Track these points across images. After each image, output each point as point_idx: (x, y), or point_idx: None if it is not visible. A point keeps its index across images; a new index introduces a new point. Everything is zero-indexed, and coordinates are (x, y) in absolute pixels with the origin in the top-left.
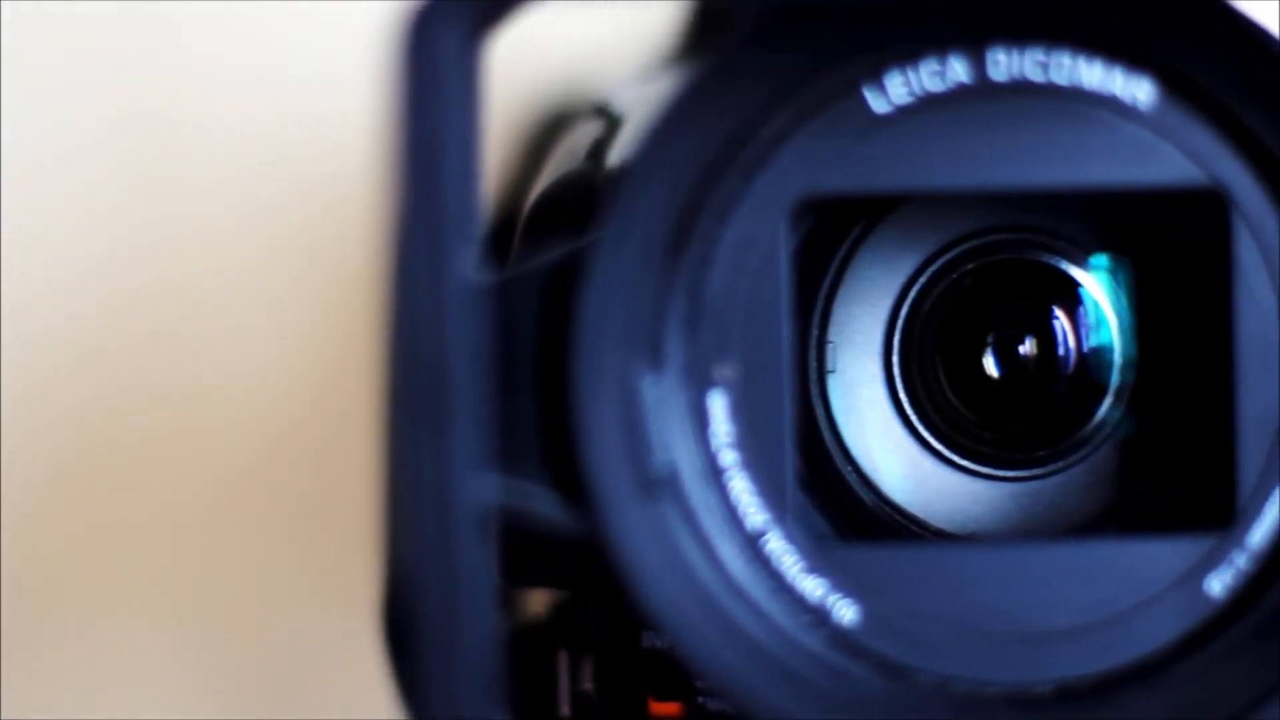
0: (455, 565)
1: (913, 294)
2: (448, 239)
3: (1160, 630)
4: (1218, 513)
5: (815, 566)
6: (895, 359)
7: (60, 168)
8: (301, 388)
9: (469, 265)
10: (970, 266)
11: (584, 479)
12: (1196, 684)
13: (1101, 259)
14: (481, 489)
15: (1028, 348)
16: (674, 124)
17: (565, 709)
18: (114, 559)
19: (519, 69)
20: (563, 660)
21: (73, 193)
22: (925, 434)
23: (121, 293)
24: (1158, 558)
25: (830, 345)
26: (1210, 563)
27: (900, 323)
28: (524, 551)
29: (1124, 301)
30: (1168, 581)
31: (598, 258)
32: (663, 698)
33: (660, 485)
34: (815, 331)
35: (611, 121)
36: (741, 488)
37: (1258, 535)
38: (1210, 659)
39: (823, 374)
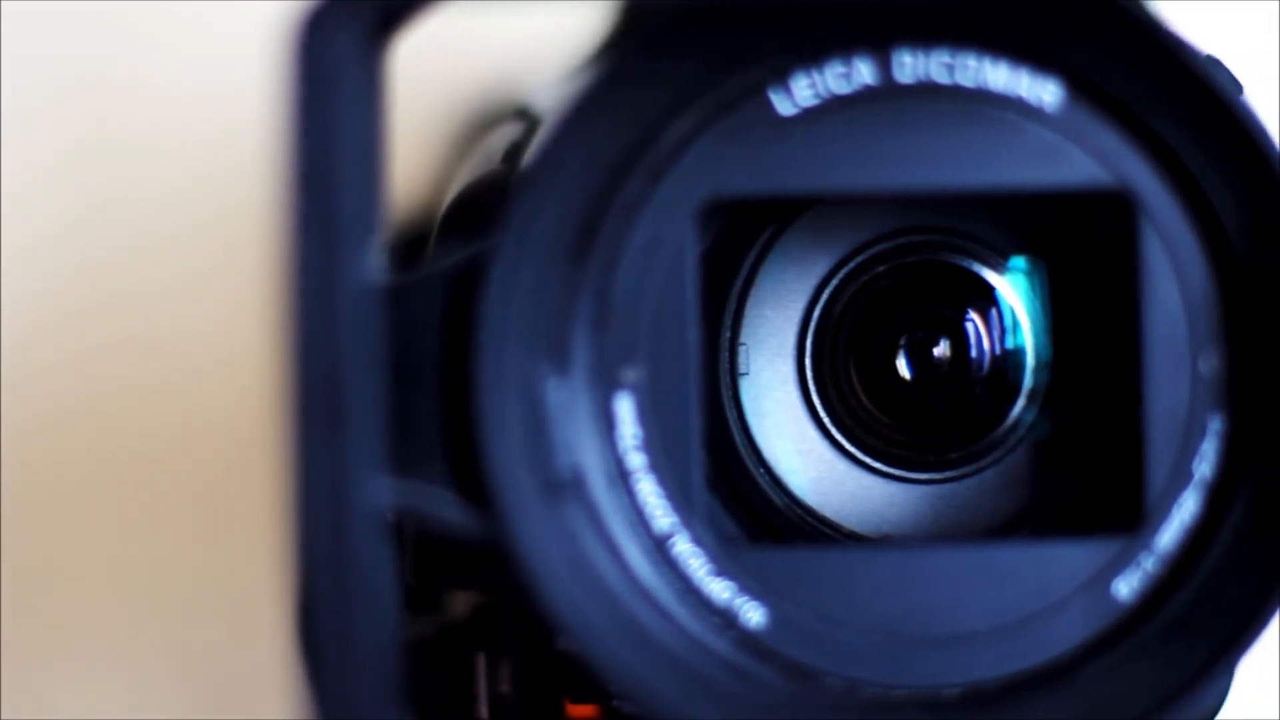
0: (351, 567)
1: (825, 296)
2: (341, 242)
3: (1068, 633)
4: (1126, 515)
5: (723, 569)
6: (808, 361)
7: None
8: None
9: (366, 267)
10: (882, 268)
11: (486, 482)
12: (1103, 686)
13: (1017, 261)
14: (378, 491)
15: (941, 350)
16: (577, 126)
17: (483, 711)
18: (58, 530)
19: (450, 70)
20: (481, 662)
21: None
22: (838, 436)
23: (73, 263)
24: (1067, 560)
25: (743, 347)
26: (1118, 565)
27: (813, 325)
28: (435, 554)
29: (1038, 303)
30: (1076, 584)
31: (499, 259)
32: (579, 700)
33: (565, 488)
34: (727, 333)
35: (531, 123)
36: (649, 490)
37: (1165, 538)
38: (1117, 661)
39: (735, 376)
